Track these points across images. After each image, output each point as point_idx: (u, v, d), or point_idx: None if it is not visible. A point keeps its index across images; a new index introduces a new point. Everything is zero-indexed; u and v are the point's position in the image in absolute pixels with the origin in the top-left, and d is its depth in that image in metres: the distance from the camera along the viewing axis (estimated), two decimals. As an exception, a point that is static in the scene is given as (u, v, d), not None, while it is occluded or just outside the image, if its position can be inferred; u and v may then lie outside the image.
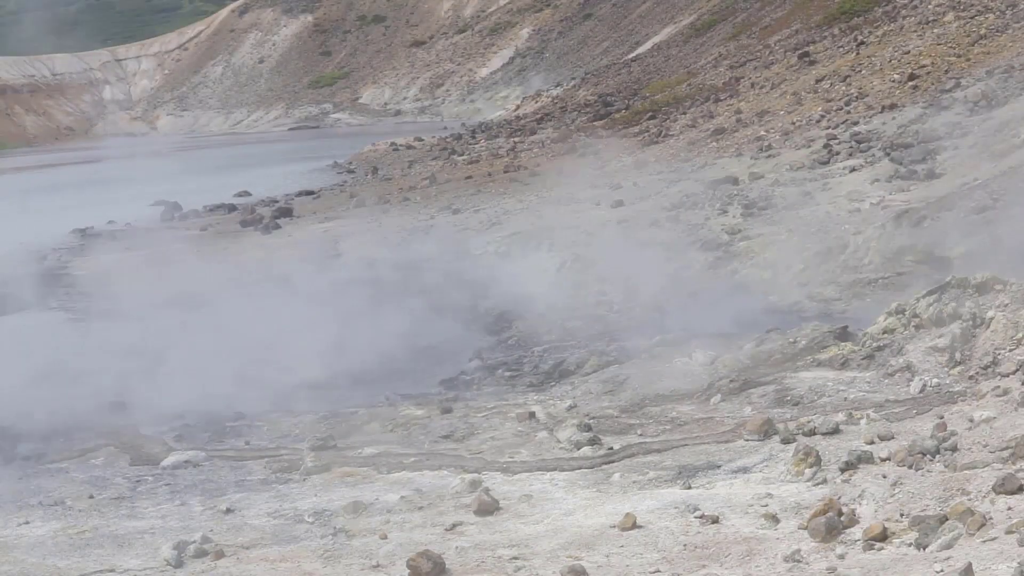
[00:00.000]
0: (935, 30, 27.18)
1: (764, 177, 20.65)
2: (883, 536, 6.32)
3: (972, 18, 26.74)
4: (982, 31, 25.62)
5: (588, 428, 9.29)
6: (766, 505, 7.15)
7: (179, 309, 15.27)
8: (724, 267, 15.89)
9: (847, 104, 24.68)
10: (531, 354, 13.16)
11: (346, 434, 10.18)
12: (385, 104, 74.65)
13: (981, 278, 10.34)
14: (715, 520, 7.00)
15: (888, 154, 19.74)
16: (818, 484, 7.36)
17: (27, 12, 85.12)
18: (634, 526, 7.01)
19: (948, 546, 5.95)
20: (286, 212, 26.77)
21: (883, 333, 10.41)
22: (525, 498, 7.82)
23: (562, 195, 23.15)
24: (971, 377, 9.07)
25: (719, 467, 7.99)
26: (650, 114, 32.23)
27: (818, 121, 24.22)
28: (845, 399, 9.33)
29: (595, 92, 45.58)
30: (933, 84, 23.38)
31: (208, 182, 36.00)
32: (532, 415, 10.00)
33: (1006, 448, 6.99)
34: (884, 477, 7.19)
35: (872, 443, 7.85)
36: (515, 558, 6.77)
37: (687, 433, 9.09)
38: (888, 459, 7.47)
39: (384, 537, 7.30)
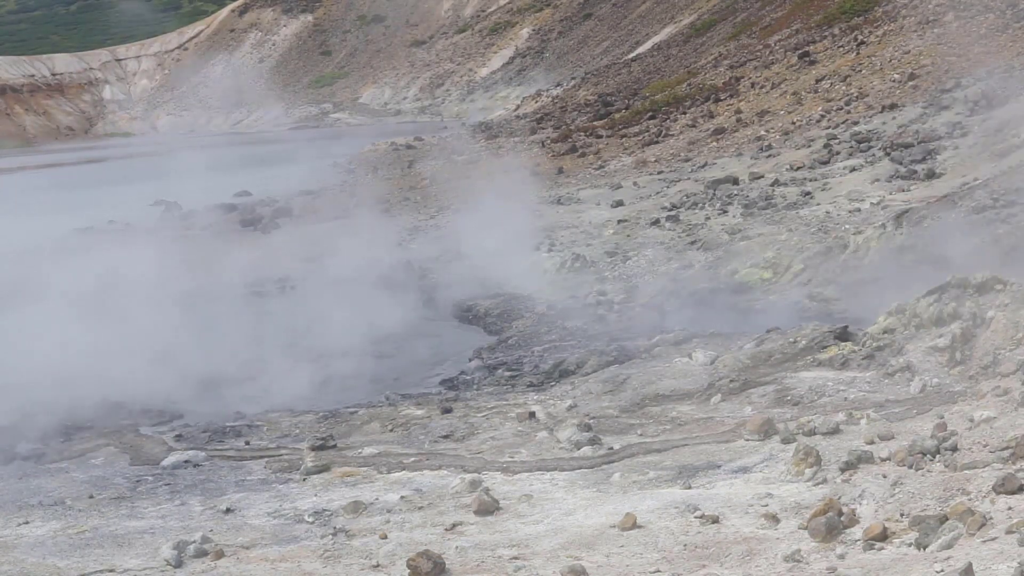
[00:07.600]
0: (935, 30, 27.20)
1: (764, 177, 20.68)
2: (883, 536, 6.31)
3: (972, 18, 26.76)
4: (982, 31, 25.64)
5: (588, 428, 9.29)
6: (766, 505, 7.14)
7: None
8: (724, 267, 15.89)
9: (847, 104, 24.70)
10: (531, 354, 13.15)
11: (346, 434, 10.19)
12: (385, 104, 74.57)
13: (981, 278, 10.34)
14: (715, 520, 6.99)
15: (888, 154, 19.77)
16: (818, 484, 7.35)
17: (27, 12, 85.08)
18: (634, 526, 7.01)
19: (948, 546, 5.95)
20: (286, 212, 26.75)
21: (883, 333, 10.41)
22: (525, 498, 7.82)
23: (562, 195, 23.15)
24: (971, 377, 9.07)
25: (719, 467, 7.99)
26: (650, 114, 32.19)
27: (818, 121, 24.25)
28: (845, 399, 9.33)
29: (595, 92, 45.51)
30: (933, 84, 23.41)
31: (208, 182, 35.90)
32: (532, 415, 10.00)
33: (1006, 448, 6.99)
34: (884, 477, 7.18)
35: (872, 443, 7.85)
36: (515, 558, 6.76)
37: (687, 433, 9.08)
38: (888, 459, 7.47)
39: (384, 537, 7.29)
